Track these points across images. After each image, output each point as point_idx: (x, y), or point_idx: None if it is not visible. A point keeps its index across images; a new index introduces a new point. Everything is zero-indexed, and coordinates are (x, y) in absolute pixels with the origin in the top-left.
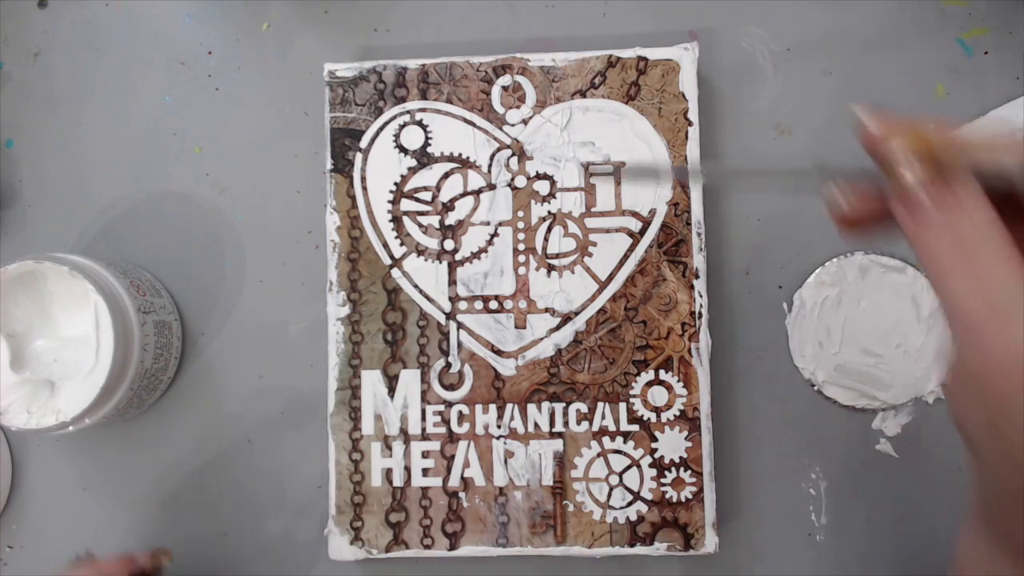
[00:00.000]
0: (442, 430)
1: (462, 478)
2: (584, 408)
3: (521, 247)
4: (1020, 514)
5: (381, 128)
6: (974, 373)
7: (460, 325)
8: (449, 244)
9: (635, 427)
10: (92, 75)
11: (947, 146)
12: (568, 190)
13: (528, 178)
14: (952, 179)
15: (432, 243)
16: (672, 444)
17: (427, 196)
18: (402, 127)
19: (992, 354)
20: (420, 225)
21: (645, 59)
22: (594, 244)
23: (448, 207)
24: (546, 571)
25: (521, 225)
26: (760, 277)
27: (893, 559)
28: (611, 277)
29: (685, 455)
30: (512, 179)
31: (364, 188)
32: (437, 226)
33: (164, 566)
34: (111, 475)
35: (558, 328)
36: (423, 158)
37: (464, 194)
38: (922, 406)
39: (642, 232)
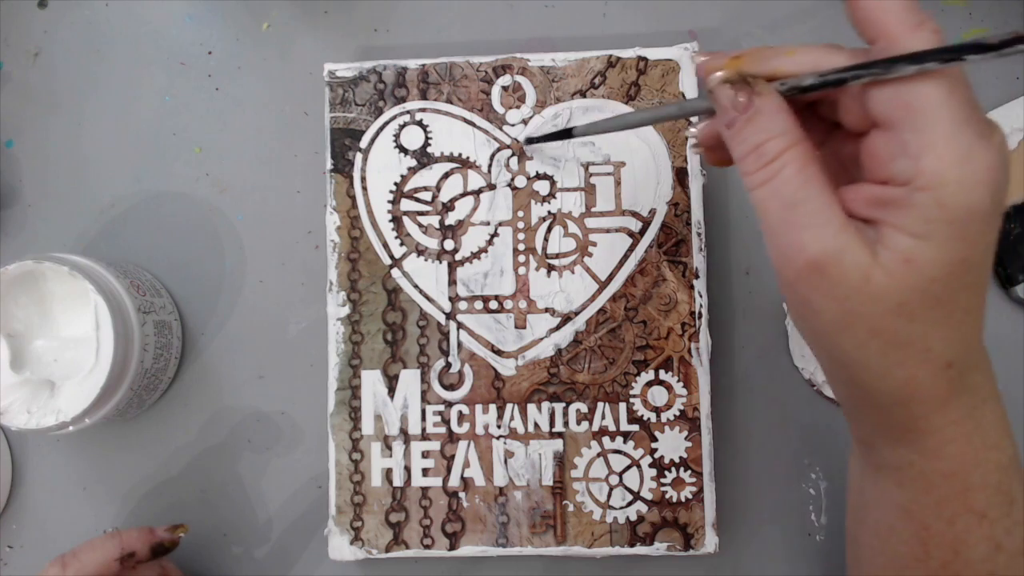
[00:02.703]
0: (442, 430)
1: (462, 478)
2: (584, 408)
3: (521, 247)
4: (836, 388)
5: (381, 128)
6: (780, 270)
7: (460, 325)
8: (449, 244)
9: (635, 427)
10: (92, 75)
11: (752, 61)
12: (568, 190)
13: (528, 178)
14: (750, 93)
15: (432, 243)
16: (672, 444)
17: (427, 196)
18: (402, 127)
19: (786, 254)
20: (420, 225)
21: (645, 59)
22: (594, 244)
23: (448, 207)
24: (546, 571)
25: (521, 225)
26: (760, 277)
27: None
28: (611, 277)
29: (685, 455)
30: (512, 179)
31: (364, 188)
32: (437, 226)
33: (180, 540)
34: (111, 475)
35: (558, 328)
36: (423, 158)
37: (464, 194)
38: None
39: (642, 232)
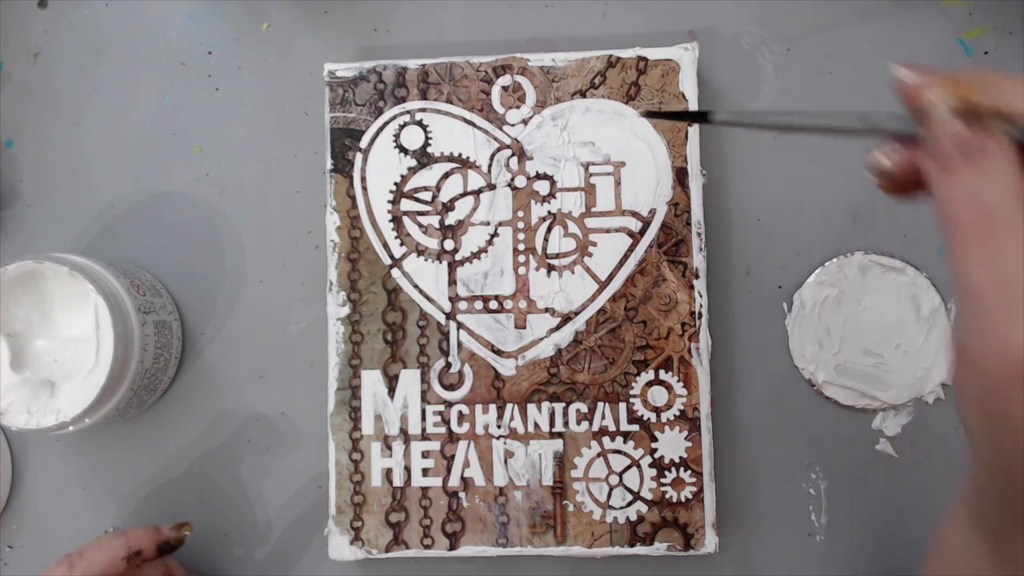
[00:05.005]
0: (442, 430)
1: (462, 478)
2: (584, 408)
3: (521, 247)
4: (1005, 517)
5: (381, 128)
6: (975, 358)
7: (460, 325)
8: (449, 244)
9: (635, 427)
10: (92, 75)
11: (980, 89)
12: (568, 190)
13: (528, 178)
14: (983, 134)
15: (432, 243)
16: (672, 444)
17: (427, 196)
18: (402, 127)
19: (995, 343)
20: (420, 225)
21: (645, 59)
22: (594, 244)
23: (448, 207)
24: (546, 571)
25: (521, 225)
26: (760, 277)
27: (893, 559)
28: (611, 277)
29: (685, 455)
30: (512, 179)
31: (364, 188)
32: (437, 226)
33: (186, 538)
34: (111, 475)
35: (558, 328)
36: (423, 158)
37: (464, 194)
38: (922, 406)
39: (642, 232)
